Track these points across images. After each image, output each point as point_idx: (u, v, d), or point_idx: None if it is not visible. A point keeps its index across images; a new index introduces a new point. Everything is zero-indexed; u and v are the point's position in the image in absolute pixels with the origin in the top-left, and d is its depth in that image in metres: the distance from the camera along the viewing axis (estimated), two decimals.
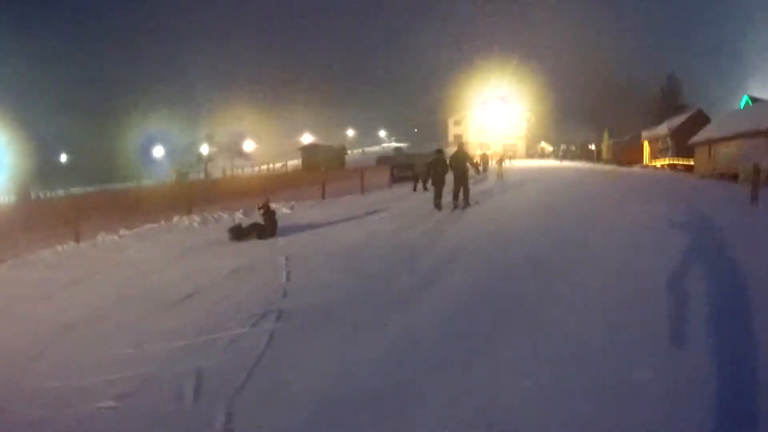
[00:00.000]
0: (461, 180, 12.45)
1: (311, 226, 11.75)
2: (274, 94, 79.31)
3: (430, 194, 14.06)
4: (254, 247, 9.75)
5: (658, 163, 39.83)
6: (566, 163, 41.77)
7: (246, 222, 11.61)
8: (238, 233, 10.38)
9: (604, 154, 50.33)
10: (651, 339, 4.09)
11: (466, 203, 12.54)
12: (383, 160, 47.10)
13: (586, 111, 60.62)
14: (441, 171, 12.83)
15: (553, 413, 3.18)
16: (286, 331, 4.96)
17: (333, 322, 5.16)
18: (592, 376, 3.56)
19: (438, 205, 12.59)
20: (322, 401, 3.57)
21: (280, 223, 11.08)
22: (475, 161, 14.38)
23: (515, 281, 6.12)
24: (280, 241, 10.11)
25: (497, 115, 57.25)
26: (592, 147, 54.43)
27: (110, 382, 4.05)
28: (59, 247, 10.67)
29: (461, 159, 12.63)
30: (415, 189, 19.33)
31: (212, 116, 65.15)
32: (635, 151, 45.30)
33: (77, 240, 11.28)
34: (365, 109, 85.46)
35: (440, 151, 13.69)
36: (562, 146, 58.83)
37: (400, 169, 24.53)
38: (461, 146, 13.50)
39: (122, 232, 11.85)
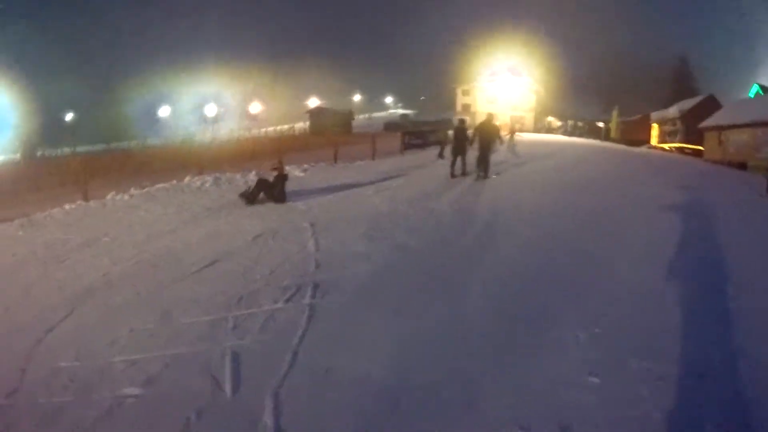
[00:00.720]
0: (487, 150, 12.33)
1: (328, 191, 11.20)
2: (281, 57, 77.46)
3: (446, 163, 13.82)
4: (272, 211, 9.18)
5: (667, 146, 39.38)
6: (574, 139, 41.00)
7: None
8: (250, 197, 9.80)
9: (613, 133, 49.92)
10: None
11: (486, 174, 12.36)
12: (390, 126, 46.73)
13: (596, 88, 60.59)
14: (461, 141, 12.77)
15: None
16: (326, 308, 4.44)
17: (374, 299, 4.69)
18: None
19: (453, 174, 12.58)
20: (380, 391, 3.11)
21: (293, 187, 10.72)
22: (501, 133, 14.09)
23: (550, 259, 5.98)
24: (299, 206, 9.53)
25: (506, 86, 56.26)
26: (600, 124, 53.92)
27: (132, 363, 3.57)
28: (68, 206, 10.16)
29: (489, 130, 12.50)
30: (441, 156, 18.30)
31: (218, 78, 63.67)
32: (643, 132, 44.98)
33: (86, 199, 10.76)
34: (372, 75, 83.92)
35: (463, 121, 13.75)
36: (570, 122, 57.89)
37: (411, 136, 24.06)
38: (490, 117, 13.22)
39: (132, 191, 11.30)
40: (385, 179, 12.89)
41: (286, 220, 8.31)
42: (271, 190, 9.94)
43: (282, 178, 10.09)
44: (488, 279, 5.18)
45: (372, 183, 12.24)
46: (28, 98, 45.80)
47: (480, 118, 43.94)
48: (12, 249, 7.26)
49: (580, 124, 56.93)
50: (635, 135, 44.51)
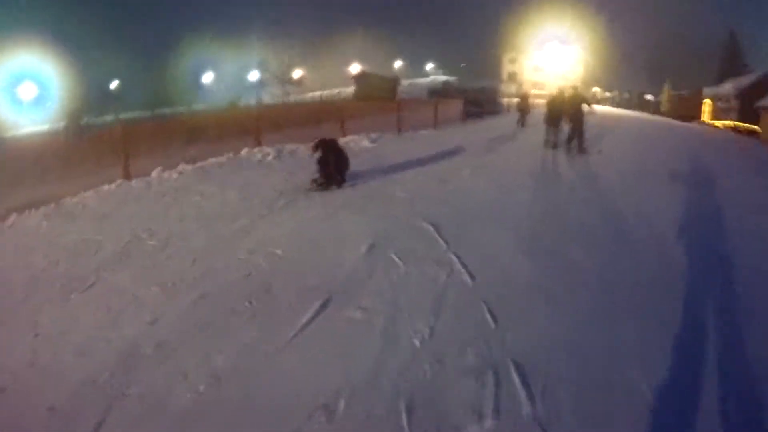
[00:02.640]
0: (578, 123, 11.26)
1: (411, 167, 9.00)
2: (322, 23, 75.13)
3: (527, 134, 13.88)
4: (367, 198, 6.79)
5: (719, 123, 36.75)
6: (627, 112, 38.41)
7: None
8: (324, 182, 7.47)
9: (663, 106, 47.09)
10: None
11: (581, 148, 11.21)
12: (434, 92, 44.90)
13: (643, 60, 59.99)
14: (557, 111, 11.85)
15: None
16: None
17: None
18: None
19: (548, 144, 11.95)
20: None
21: (370, 161, 9.38)
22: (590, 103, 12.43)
23: None
24: (395, 191, 7.12)
25: (554, 55, 55.42)
26: (649, 97, 51.01)
27: None
28: (106, 187, 8.07)
29: (578, 101, 11.49)
30: (522, 124, 18.02)
31: (260, 44, 62.10)
32: (694, 107, 43.59)
33: (128, 176, 8.63)
34: (414, 41, 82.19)
35: (561, 92, 12.58)
36: (621, 93, 56.88)
37: (473, 104, 23.17)
38: (577, 89, 12.41)
39: (182, 166, 9.11)
40: (466, 153, 10.97)
41: (393, 215, 5.92)
42: (332, 177, 7.54)
43: (336, 152, 7.61)
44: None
45: (455, 157, 10.37)
46: (73, 67, 44.94)
47: (526, 87, 46.10)
48: (24, 257, 5.13)
49: (626, 95, 55.99)
50: (686, 110, 43.23)
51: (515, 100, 25.14)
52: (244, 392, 2.72)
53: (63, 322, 3.66)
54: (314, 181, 7.44)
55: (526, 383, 2.66)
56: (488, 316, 3.38)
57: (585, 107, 11.43)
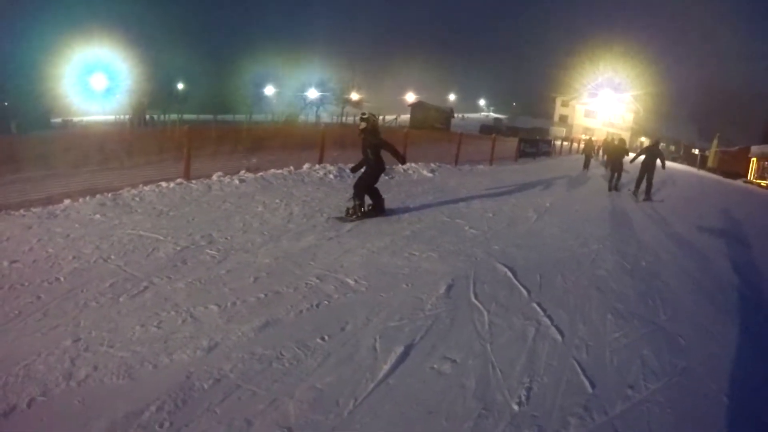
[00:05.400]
0: (651, 171, 11.96)
1: (472, 202, 8.79)
2: (382, 51, 77.41)
3: (589, 177, 15.66)
4: (436, 232, 6.28)
5: (764, 183, 36.02)
6: (675, 165, 37.59)
7: None
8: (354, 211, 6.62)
9: (710, 162, 46.70)
10: None
11: (648, 195, 12.00)
12: (485, 128, 46.25)
13: (692, 113, 59.96)
14: (620, 157, 13.51)
15: None
16: None
17: None
18: None
19: (610, 188, 13.22)
20: None
21: (432, 192, 9.35)
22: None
23: None
24: (462, 225, 6.73)
25: (607, 102, 55.93)
26: (695, 151, 51.46)
27: None
28: (164, 184, 7.79)
29: (653, 153, 12.25)
30: (587, 167, 18.97)
31: (322, 64, 64.09)
32: (741, 164, 41.76)
33: (188, 176, 8.37)
34: (468, 76, 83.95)
35: (623, 141, 14.70)
36: (669, 146, 55.95)
37: (526, 144, 23.16)
38: (657, 142, 13.38)
39: (243, 174, 8.80)
40: (528, 192, 10.89)
41: (467, 253, 5.47)
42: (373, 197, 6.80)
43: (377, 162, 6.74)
44: None
45: (517, 196, 10.25)
46: (143, 64, 46.83)
47: (577, 131, 46.34)
48: (74, 246, 4.76)
49: (672, 148, 55.03)
50: (732, 167, 41.95)
51: (581, 144, 26.34)
52: None
53: (108, 329, 3.19)
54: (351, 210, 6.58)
55: None
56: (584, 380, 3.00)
57: (658, 162, 12.03)
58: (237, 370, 2.78)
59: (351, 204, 6.56)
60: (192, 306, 3.53)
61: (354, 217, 6.44)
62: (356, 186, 6.61)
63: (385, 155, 6.69)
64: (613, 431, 2.58)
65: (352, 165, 7.36)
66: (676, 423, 2.70)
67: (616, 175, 13.34)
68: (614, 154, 13.99)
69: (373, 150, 6.57)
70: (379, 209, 6.80)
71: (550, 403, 2.75)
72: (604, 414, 2.70)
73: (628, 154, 13.96)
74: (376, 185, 6.80)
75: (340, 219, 6.39)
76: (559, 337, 3.56)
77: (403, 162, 7.02)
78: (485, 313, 3.86)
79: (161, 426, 2.33)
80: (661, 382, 3.11)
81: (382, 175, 6.91)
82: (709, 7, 69.94)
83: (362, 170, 6.76)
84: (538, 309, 4.05)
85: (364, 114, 6.79)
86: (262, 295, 3.76)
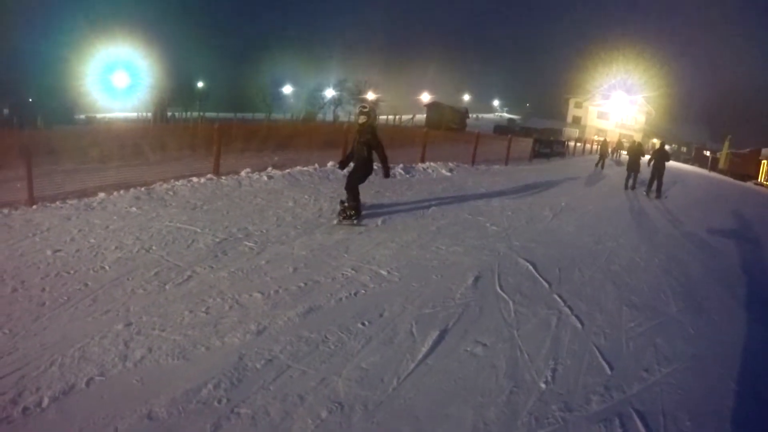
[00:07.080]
0: (662, 171, 12.85)
1: (489, 200, 8.96)
2: (397, 50, 77.93)
3: (603, 176, 16.30)
4: (460, 228, 6.44)
5: None
6: (685, 166, 39.14)
7: None
8: (348, 213, 6.21)
9: (721, 164, 46.08)
10: None
11: (659, 194, 12.84)
12: (499, 129, 46.07)
13: (704, 115, 59.83)
14: (637, 157, 14.18)
15: None
16: None
17: None
18: None
19: (626, 186, 13.89)
20: None
21: (451, 188, 9.61)
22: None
23: None
24: (488, 225, 6.93)
25: (620, 104, 56.36)
26: (707, 153, 50.62)
27: None
28: (195, 179, 8.00)
29: (663, 154, 13.01)
30: (601, 167, 19.57)
31: (339, 64, 64.64)
32: (752, 166, 41.27)
33: (217, 172, 8.57)
34: (482, 76, 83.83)
35: (640, 144, 15.18)
36: (680, 147, 55.20)
37: (540, 145, 23.26)
38: (663, 144, 13.75)
39: (271, 170, 8.99)
40: (541, 192, 10.99)
41: (490, 248, 5.70)
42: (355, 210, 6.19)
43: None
44: None
45: (533, 195, 10.43)
46: (165, 62, 47.56)
47: (590, 132, 47.23)
48: (115, 237, 4.96)
49: (684, 150, 54.61)
50: (743, 168, 41.56)
51: (595, 145, 26.95)
52: (371, 424, 2.33)
53: (158, 314, 3.38)
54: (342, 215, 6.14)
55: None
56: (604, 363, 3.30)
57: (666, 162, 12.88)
58: (286, 351, 2.96)
59: (346, 205, 6.15)
60: (237, 293, 3.71)
61: (354, 218, 6.12)
62: (350, 188, 6.16)
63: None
64: (631, 407, 2.82)
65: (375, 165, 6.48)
66: (686, 402, 2.93)
67: (633, 174, 13.93)
68: (632, 154, 14.49)
69: (368, 148, 6.08)
70: (357, 211, 6.22)
71: (573, 382, 2.99)
72: (622, 393, 2.95)
73: (644, 156, 14.70)
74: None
75: (340, 222, 6.08)
76: (579, 325, 3.82)
77: (387, 175, 6.43)
78: (510, 302, 4.12)
79: (219, 402, 2.49)
80: (673, 366, 3.34)
81: (372, 176, 6.41)
82: (722, 9, 69.00)
83: (351, 168, 6.30)
84: (559, 300, 4.31)
85: (364, 107, 6.33)
86: (302, 284, 3.95)
